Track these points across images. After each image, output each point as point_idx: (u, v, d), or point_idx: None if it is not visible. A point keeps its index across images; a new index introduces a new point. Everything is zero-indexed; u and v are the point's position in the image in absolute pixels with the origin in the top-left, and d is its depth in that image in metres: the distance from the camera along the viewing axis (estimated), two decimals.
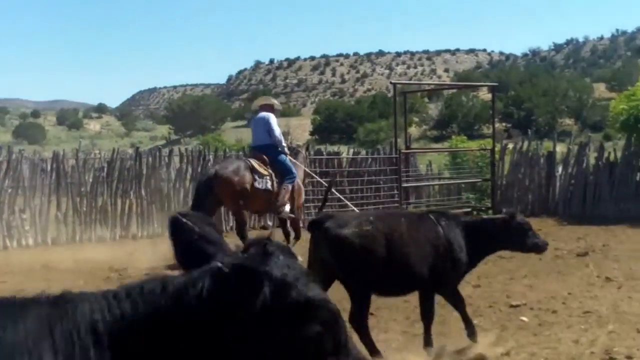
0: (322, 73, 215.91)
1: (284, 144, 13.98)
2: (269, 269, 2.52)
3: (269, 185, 13.41)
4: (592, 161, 20.54)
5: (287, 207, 13.67)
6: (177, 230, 8.81)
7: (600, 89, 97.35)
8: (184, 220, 8.81)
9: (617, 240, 15.63)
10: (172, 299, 2.51)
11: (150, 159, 17.90)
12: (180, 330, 2.48)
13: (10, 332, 2.38)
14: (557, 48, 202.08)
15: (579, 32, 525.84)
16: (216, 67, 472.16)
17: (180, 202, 17.63)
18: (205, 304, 2.48)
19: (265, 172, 13.42)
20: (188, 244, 8.38)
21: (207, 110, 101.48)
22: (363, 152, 22.78)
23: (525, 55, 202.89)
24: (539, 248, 7.95)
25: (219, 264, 2.55)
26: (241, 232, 13.33)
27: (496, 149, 21.20)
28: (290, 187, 13.67)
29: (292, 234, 14.03)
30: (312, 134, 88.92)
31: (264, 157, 13.57)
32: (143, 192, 17.36)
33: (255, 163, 13.42)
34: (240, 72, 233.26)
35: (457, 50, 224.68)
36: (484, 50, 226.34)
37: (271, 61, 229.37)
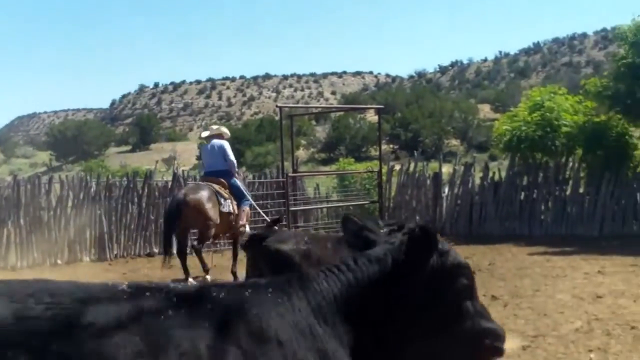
0: (209, 97, 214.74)
1: (236, 169, 14.78)
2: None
3: (230, 208, 14.02)
4: (477, 181, 20.85)
5: (247, 228, 14.39)
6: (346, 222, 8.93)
7: (485, 110, 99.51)
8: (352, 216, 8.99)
9: (502, 259, 15.88)
10: (383, 263, 3.37)
11: (29, 186, 17.25)
12: (390, 285, 3.35)
13: (289, 314, 3.03)
14: (442, 70, 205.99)
15: (463, 54, 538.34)
16: (99, 91, 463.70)
17: (61, 230, 17.12)
18: (405, 261, 3.39)
19: (227, 196, 14.02)
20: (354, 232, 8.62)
21: (90, 136, 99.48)
22: (250, 175, 22.51)
23: (411, 77, 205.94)
24: None
25: (414, 229, 3.48)
26: (196, 251, 14.00)
27: (383, 170, 21.30)
28: (247, 208, 14.58)
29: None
30: (199, 158, 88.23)
31: (223, 181, 14.14)
32: (22, 221, 16.72)
33: (217, 187, 13.93)
34: (124, 97, 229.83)
35: (344, 72, 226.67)
36: (371, 72, 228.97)
37: (156, 85, 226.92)
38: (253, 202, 15.24)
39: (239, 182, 14.60)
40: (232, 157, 14.49)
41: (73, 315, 2.67)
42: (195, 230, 14.53)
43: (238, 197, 14.35)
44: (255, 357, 2.81)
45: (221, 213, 13.83)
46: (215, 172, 14.41)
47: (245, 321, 2.89)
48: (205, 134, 15.41)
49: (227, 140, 14.95)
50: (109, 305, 2.78)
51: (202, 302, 2.93)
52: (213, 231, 13.91)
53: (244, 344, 2.81)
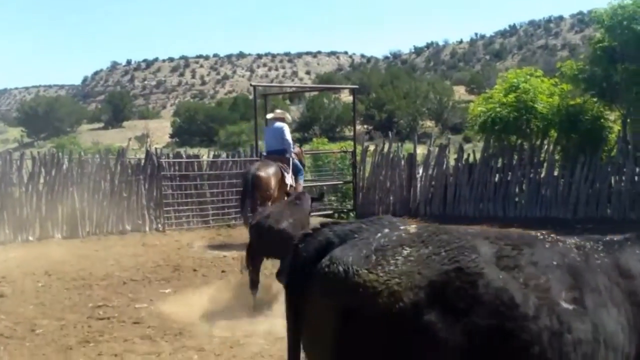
0: (182, 75, 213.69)
1: (292, 149, 16.64)
2: None
3: (291, 181, 16.19)
4: (452, 162, 20.84)
5: None
6: None
7: (460, 92, 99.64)
8: None
9: None
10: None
11: (0, 162, 17.02)
12: None
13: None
14: (418, 51, 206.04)
15: (438, 35, 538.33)
16: (71, 68, 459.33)
17: (33, 207, 16.93)
18: None
19: (289, 171, 16.22)
20: None
21: (62, 112, 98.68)
22: (224, 154, 22.40)
23: (386, 58, 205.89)
24: None
25: None
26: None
27: (357, 151, 21.27)
28: (302, 181, 16.98)
29: None
30: (172, 136, 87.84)
31: (284, 158, 16.34)
32: None
33: (281, 164, 16.12)
34: (96, 73, 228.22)
35: (319, 52, 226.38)
36: (345, 52, 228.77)
37: (128, 62, 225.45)
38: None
39: (295, 160, 16.70)
40: (289, 138, 16.54)
41: (526, 254, 3.68)
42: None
43: (295, 172, 16.62)
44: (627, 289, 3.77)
45: (283, 185, 15.83)
46: (275, 151, 16.43)
47: (620, 265, 3.85)
48: (270, 115, 17.14)
49: (287, 123, 16.96)
50: (541, 248, 3.77)
51: (599, 252, 3.90)
52: (271, 200, 15.40)
53: (618, 280, 3.78)
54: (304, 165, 17.83)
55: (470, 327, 3.34)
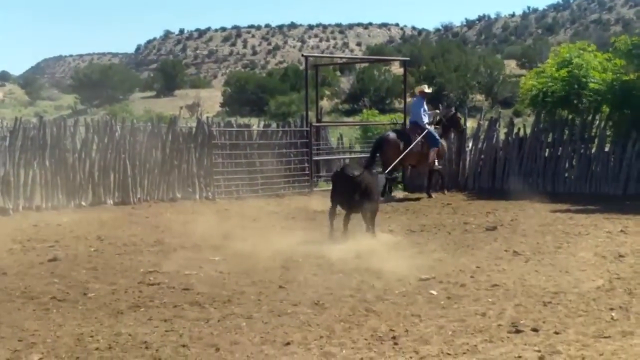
0: (234, 44, 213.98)
1: (427, 120, 19.28)
2: None
3: (420, 148, 18.96)
4: (502, 137, 20.74)
5: (437, 163, 19.51)
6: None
7: (511, 66, 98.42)
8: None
9: (525, 215, 15.87)
10: None
11: (54, 128, 17.25)
12: None
13: None
14: (469, 24, 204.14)
15: (490, 8, 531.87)
16: (124, 36, 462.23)
17: (86, 173, 17.21)
18: None
19: (420, 140, 18.82)
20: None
21: (115, 80, 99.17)
22: (274, 124, 22.50)
23: (437, 30, 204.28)
24: None
25: None
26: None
27: (407, 123, 21.23)
28: (436, 149, 19.24)
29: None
30: (222, 105, 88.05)
31: (419, 128, 19.09)
32: (47, 163, 16.78)
33: (411, 132, 19.15)
34: (149, 42, 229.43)
35: (370, 24, 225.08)
36: (397, 24, 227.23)
37: (181, 31, 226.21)
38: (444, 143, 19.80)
39: (432, 130, 19.16)
40: (421, 111, 19.19)
41: None
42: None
43: (430, 141, 19.03)
44: None
45: (411, 151, 18.63)
46: (414, 122, 19.46)
47: None
48: (423, 88, 20.17)
49: (426, 96, 19.84)
50: None
51: None
52: (396, 162, 18.35)
53: None
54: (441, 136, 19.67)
55: None
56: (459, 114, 20.65)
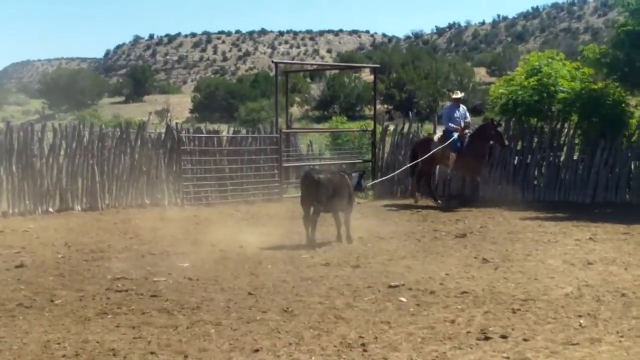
0: (204, 50, 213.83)
1: (452, 126, 19.23)
2: None
3: (441, 153, 19.06)
4: None
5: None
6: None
7: (481, 74, 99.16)
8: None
9: (494, 223, 15.94)
10: None
11: (22, 133, 17.06)
12: None
13: None
14: (440, 32, 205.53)
15: (461, 16, 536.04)
16: (94, 42, 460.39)
17: (53, 179, 17.06)
18: None
19: (442, 145, 18.98)
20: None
21: (84, 85, 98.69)
22: (244, 131, 22.46)
23: (408, 38, 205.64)
24: None
25: None
26: (418, 177, 19.75)
27: (377, 130, 21.26)
28: (454, 155, 19.01)
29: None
30: (192, 112, 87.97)
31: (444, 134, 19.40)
32: (14, 168, 16.62)
33: (436, 138, 19.45)
34: (118, 47, 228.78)
35: (341, 31, 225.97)
36: (367, 32, 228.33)
37: (151, 37, 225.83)
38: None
39: (455, 136, 18.99)
40: (446, 118, 19.57)
41: None
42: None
43: (450, 146, 18.93)
44: None
45: (435, 155, 19.00)
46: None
47: None
48: (455, 95, 20.91)
49: (458, 102, 19.93)
50: None
51: None
52: (429, 163, 19.27)
53: None
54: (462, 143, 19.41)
55: None
56: (499, 128, 19.49)
